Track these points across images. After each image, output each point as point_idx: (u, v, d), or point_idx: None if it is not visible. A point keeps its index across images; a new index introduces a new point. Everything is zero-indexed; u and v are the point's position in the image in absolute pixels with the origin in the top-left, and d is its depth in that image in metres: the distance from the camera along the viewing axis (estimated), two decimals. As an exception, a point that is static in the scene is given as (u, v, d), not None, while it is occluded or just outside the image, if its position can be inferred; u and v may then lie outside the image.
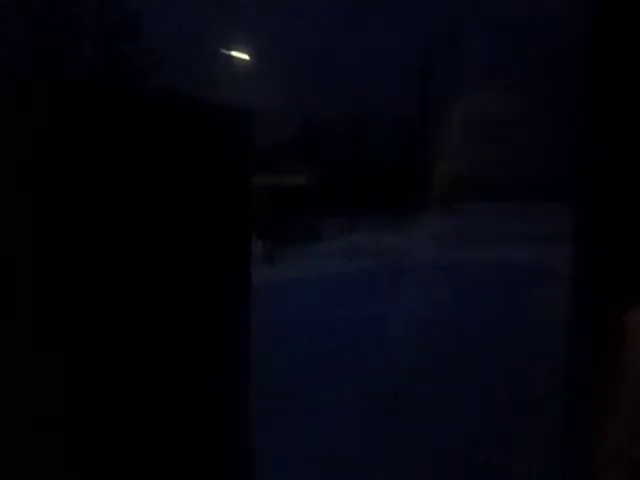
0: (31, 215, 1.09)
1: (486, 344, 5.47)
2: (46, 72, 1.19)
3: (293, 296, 8.54)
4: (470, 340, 5.71)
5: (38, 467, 1.08)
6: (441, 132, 23.08)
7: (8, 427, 1.06)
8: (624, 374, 0.26)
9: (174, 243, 1.32)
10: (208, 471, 1.37)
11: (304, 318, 6.98)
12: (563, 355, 0.57)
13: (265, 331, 1.94)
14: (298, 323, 6.65)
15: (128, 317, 1.21)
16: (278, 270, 11.13)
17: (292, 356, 5.15)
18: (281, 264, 12.42)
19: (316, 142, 31.22)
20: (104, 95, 1.21)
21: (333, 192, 25.18)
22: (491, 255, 12.69)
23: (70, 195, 1.13)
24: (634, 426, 0.24)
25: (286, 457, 3.06)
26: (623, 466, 0.26)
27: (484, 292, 8.27)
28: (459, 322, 6.53)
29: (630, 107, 0.54)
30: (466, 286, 8.74)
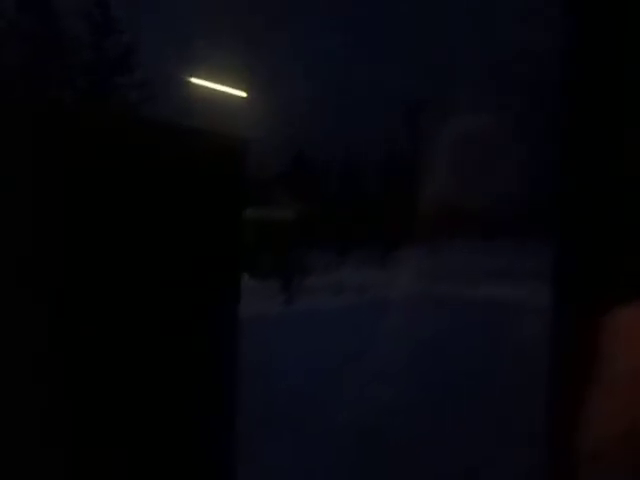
0: (27, 231, 1.10)
1: (472, 378, 5.47)
2: (44, 102, 1.21)
3: (280, 331, 8.48)
4: (456, 374, 5.70)
5: (24, 468, 1.07)
6: (427, 169, 23.48)
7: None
8: (597, 375, 0.28)
9: (164, 274, 1.32)
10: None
11: (290, 353, 6.93)
12: (545, 391, 0.59)
13: (252, 366, 1.94)
14: (284, 358, 6.59)
15: (117, 344, 1.21)
16: (265, 305, 11.07)
17: (278, 390, 5.09)
18: (269, 299, 12.35)
19: (304, 178, 31.50)
20: (100, 125, 1.24)
21: (320, 228, 25.30)
22: (476, 291, 12.78)
23: (60, 224, 1.14)
24: (607, 425, 0.26)
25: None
26: (598, 465, 0.27)
27: (469, 327, 8.30)
28: (444, 357, 6.52)
29: (606, 146, 0.58)
30: (451, 321, 8.76)
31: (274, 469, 3.34)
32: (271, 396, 4.86)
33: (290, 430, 4.15)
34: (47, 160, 1.13)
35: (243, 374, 1.46)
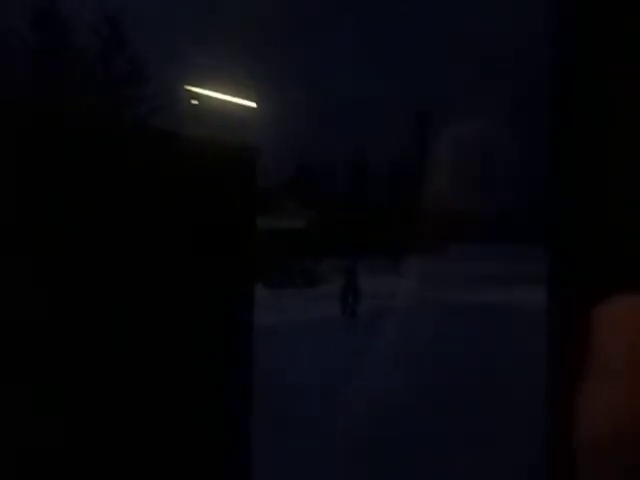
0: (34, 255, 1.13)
1: (477, 382, 5.47)
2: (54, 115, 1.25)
3: (292, 339, 8.49)
4: (462, 380, 5.70)
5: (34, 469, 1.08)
6: (434, 177, 23.45)
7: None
8: (595, 373, 0.30)
9: (178, 283, 1.35)
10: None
11: (303, 360, 6.95)
12: (545, 389, 0.62)
13: (265, 374, 1.97)
14: (297, 365, 6.61)
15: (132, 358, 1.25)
16: (279, 313, 11.07)
17: (291, 396, 5.11)
18: (281, 308, 12.34)
19: (313, 187, 31.52)
20: (114, 136, 1.27)
21: (330, 236, 25.27)
22: (483, 296, 12.72)
23: (74, 235, 1.17)
24: (607, 423, 0.28)
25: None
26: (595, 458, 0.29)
27: (476, 332, 8.27)
28: (451, 362, 6.52)
29: (597, 152, 0.61)
30: (459, 326, 8.74)
31: (286, 470, 3.37)
32: (287, 400, 4.88)
33: (302, 432, 4.17)
34: (62, 172, 1.15)
35: (258, 381, 1.49)
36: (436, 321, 8.91)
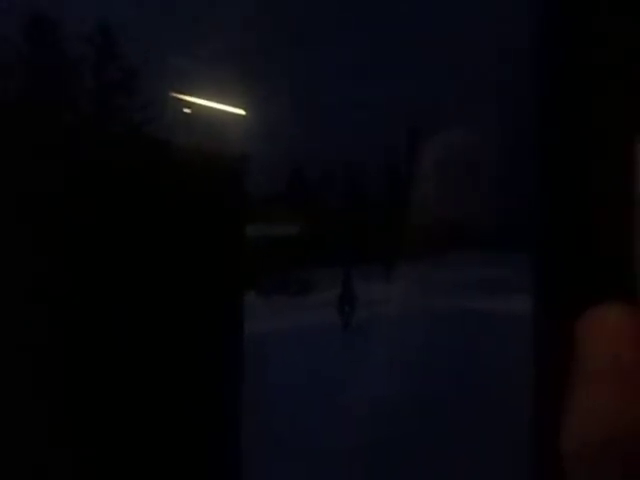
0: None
1: (471, 388, 5.49)
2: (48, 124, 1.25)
3: (285, 347, 8.49)
4: (455, 386, 5.72)
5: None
6: (426, 185, 23.67)
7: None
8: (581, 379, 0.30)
9: (165, 293, 1.35)
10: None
11: (296, 369, 6.94)
12: (533, 395, 0.62)
13: (257, 383, 1.96)
14: (289, 374, 6.61)
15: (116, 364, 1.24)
16: (272, 322, 11.07)
17: (282, 405, 5.10)
18: (276, 315, 12.35)
19: (306, 194, 31.67)
20: (103, 146, 1.27)
21: (324, 243, 25.36)
22: (475, 303, 12.81)
23: (62, 242, 1.17)
24: (595, 429, 0.27)
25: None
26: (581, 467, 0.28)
27: (467, 339, 8.30)
28: (442, 369, 6.54)
29: (580, 156, 0.61)
30: (451, 334, 8.78)
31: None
32: (282, 410, 4.87)
33: (294, 444, 4.16)
34: (50, 179, 1.15)
35: (248, 391, 1.48)
36: (431, 328, 8.93)
